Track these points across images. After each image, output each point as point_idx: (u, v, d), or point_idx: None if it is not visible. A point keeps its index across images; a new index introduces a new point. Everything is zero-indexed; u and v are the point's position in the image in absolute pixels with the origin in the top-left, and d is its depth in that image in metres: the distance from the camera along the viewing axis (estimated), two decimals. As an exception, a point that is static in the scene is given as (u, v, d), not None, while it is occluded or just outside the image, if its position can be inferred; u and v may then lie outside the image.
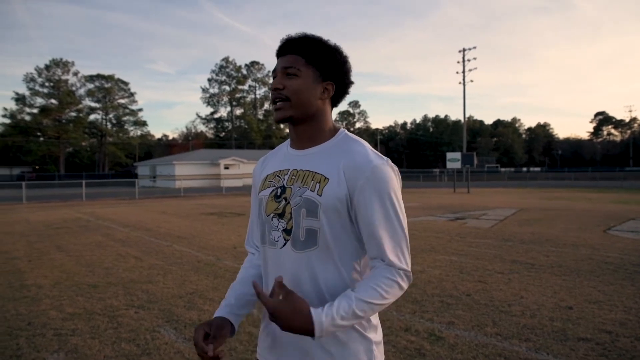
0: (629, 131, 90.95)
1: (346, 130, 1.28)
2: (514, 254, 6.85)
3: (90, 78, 67.87)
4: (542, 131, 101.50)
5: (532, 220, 11.32)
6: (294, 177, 1.22)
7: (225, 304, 1.28)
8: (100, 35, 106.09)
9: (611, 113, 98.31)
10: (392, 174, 1.17)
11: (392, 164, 1.19)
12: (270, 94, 1.24)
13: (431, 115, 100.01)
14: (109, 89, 68.81)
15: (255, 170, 1.41)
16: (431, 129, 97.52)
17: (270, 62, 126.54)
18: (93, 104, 69.14)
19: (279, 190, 1.23)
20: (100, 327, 3.84)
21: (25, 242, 8.51)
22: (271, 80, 1.26)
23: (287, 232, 1.19)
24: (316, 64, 1.21)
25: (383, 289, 1.10)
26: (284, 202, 1.20)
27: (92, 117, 69.49)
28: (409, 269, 1.15)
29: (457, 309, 4.25)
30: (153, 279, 5.52)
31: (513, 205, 16.32)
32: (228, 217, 13.26)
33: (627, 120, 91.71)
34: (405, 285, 1.14)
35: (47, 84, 62.52)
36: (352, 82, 1.29)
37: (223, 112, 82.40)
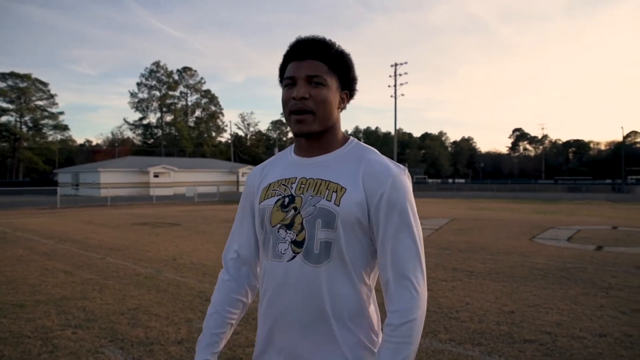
0: (541, 147, 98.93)
1: (356, 140, 1.24)
2: (453, 262, 7.14)
3: (3, 76, 62.37)
4: (466, 145, 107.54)
5: (465, 230, 11.90)
6: (303, 186, 1.14)
7: (206, 344, 1.20)
8: (14, 30, 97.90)
9: (526, 129, 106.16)
10: (409, 184, 1.14)
11: (408, 172, 1.16)
12: (288, 104, 1.13)
13: (362, 127, 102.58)
14: (24, 89, 63.52)
15: (251, 179, 1.31)
16: (362, 140, 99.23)
17: (202, 68, 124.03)
18: (5, 105, 63.49)
19: (287, 200, 1.14)
20: (32, 351, 3.47)
21: None
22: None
23: (296, 244, 1.11)
24: (337, 72, 1.15)
25: (407, 335, 1.03)
26: (292, 211, 1.12)
27: (4, 118, 63.67)
28: (425, 289, 1.10)
29: (409, 317, 4.32)
30: (88, 294, 5.11)
31: (445, 215, 17.09)
32: (162, 227, 12.67)
33: (540, 137, 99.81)
34: (424, 308, 1.08)
35: (-52, 80, 56.66)
36: (357, 90, 1.26)
37: (152, 118, 79.01)
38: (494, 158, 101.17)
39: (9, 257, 7.57)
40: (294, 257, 1.11)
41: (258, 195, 1.24)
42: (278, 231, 1.14)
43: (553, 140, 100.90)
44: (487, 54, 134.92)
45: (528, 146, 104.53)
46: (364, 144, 1.22)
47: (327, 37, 1.18)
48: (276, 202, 1.16)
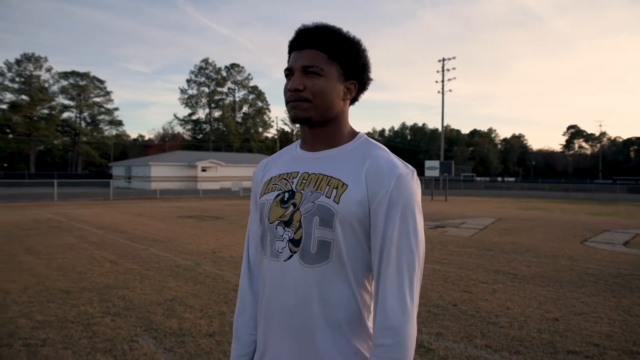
0: (598, 145, 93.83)
1: (366, 135, 1.16)
2: (496, 264, 6.87)
3: (64, 75, 66.11)
4: (516, 142, 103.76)
5: (511, 230, 11.44)
6: (304, 181, 1.08)
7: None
8: (75, 31, 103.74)
9: (582, 127, 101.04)
10: (417, 188, 1.05)
11: (417, 176, 1.07)
12: (285, 95, 1.09)
13: (409, 123, 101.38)
14: (83, 86, 67.12)
15: (255, 174, 1.26)
16: (409, 137, 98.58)
17: (249, 64, 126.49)
18: (67, 102, 67.37)
19: (287, 195, 1.08)
20: (73, 336, 3.62)
21: (-8, 243, 8.11)
22: (283, 79, 1.10)
23: (294, 242, 1.04)
24: (340, 60, 1.08)
25: (401, 356, 0.95)
26: (292, 208, 1.06)
27: (65, 115, 67.65)
28: (417, 303, 1.01)
29: (444, 319, 4.18)
30: (129, 284, 5.30)
31: (491, 214, 16.51)
32: (206, 220, 12.99)
33: (597, 134, 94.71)
34: (415, 324, 1.00)
35: (17, 79, 60.59)
36: (371, 80, 1.17)
37: (201, 113, 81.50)
38: (546, 156, 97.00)
39: (62, 245, 7.98)
40: (290, 256, 1.05)
41: (259, 189, 1.19)
42: (276, 228, 1.08)
43: (612, 138, 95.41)
44: (540, 48, 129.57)
45: (584, 144, 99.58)
46: (374, 140, 1.14)
47: (332, 23, 1.11)
48: (276, 197, 1.11)
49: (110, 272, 5.90)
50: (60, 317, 4.06)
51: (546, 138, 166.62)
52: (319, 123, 1.10)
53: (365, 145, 1.11)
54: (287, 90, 1.08)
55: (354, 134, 1.15)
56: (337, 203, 1.01)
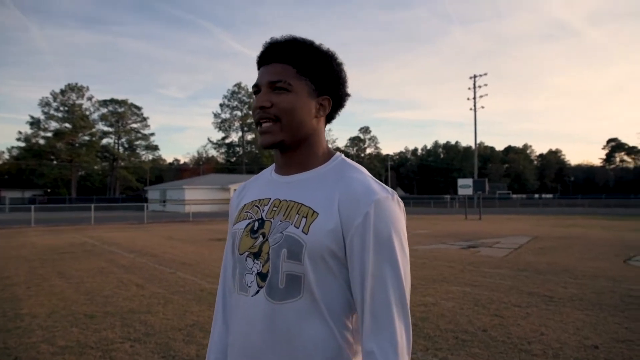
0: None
1: (343, 155, 1.07)
2: (530, 285, 6.53)
3: (104, 102, 69.08)
4: (553, 157, 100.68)
5: (547, 249, 10.94)
6: (275, 209, 0.99)
7: None
8: (115, 61, 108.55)
9: (623, 140, 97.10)
10: (399, 213, 0.94)
11: (399, 198, 0.95)
12: (254, 115, 1.01)
13: (442, 141, 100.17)
14: (122, 113, 69.88)
15: (232, 200, 1.18)
16: (442, 155, 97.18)
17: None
18: (106, 128, 70.18)
19: (256, 224, 1.00)
20: (92, 362, 3.61)
21: (27, 268, 8.35)
22: (252, 98, 1.04)
23: (261, 276, 0.95)
24: (310, 75, 1.00)
25: None
26: (261, 238, 0.97)
27: (104, 141, 70.42)
28: (407, 343, 0.89)
29: (472, 346, 3.96)
30: (153, 308, 5.30)
31: (526, 233, 15.90)
32: (235, 242, 13.03)
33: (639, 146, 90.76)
34: None
35: (61, 108, 63.63)
36: (349, 95, 1.08)
37: (234, 137, 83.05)
38: (585, 171, 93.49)
39: (92, 269, 8.14)
40: (257, 291, 0.95)
41: (234, 217, 1.11)
42: (246, 260, 0.99)
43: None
44: (575, 60, 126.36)
45: (626, 157, 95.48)
46: (351, 161, 1.04)
47: (301, 36, 1.04)
48: (246, 226, 1.02)
49: (136, 296, 5.94)
50: (81, 343, 4.07)
51: (585, 152, 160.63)
52: (291, 146, 1.02)
53: (341, 167, 1.01)
54: (255, 109, 1.01)
55: (329, 155, 1.06)
56: (306, 234, 0.92)
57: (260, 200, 1.05)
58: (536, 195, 71.90)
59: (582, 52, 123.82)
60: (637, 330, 4.40)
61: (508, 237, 14.00)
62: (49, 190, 62.41)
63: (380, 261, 0.89)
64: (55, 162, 62.99)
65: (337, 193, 0.94)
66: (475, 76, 48.21)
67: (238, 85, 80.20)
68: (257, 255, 0.97)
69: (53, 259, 9.47)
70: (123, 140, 72.43)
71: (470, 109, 48.51)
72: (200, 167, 77.00)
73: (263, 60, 1.03)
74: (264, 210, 1.01)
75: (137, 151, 74.22)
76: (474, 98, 48.07)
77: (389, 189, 0.96)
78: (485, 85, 48.74)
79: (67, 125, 63.34)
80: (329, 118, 1.08)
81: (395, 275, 0.90)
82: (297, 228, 0.93)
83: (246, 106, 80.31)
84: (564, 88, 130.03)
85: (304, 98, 0.99)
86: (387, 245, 0.90)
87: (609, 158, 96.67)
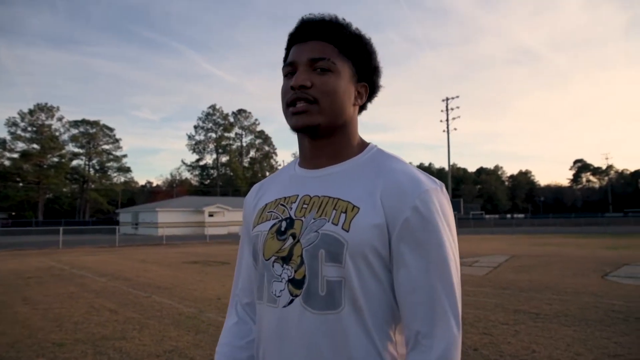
0: (606, 178, 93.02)
1: (377, 146, 0.96)
2: (515, 303, 6.49)
3: (75, 123, 67.49)
4: (524, 178, 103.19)
5: (527, 267, 11.01)
6: (305, 206, 0.86)
7: None
8: (87, 82, 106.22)
9: (589, 160, 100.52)
10: (448, 205, 0.84)
11: (446, 191, 0.86)
12: (286, 96, 0.88)
13: (416, 162, 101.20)
14: (93, 134, 68.37)
15: (247, 201, 1.04)
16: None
17: (256, 109, 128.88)
18: (76, 150, 68.41)
19: (284, 224, 0.87)
20: (61, 394, 3.32)
21: (-10, 294, 7.85)
22: (285, 87, 0.90)
23: (294, 283, 0.82)
24: (353, 57, 0.89)
25: None
26: (291, 240, 0.84)
27: (74, 162, 68.54)
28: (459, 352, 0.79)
29: (465, 366, 3.84)
30: (127, 334, 4.99)
31: (504, 252, 16.05)
32: (212, 266, 12.67)
33: (604, 167, 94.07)
34: None
35: (29, 128, 61.83)
36: (381, 86, 0.98)
37: (209, 159, 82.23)
38: (554, 191, 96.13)
39: (61, 294, 7.70)
40: (291, 301, 0.82)
41: (253, 219, 0.97)
42: (273, 265, 0.86)
43: (619, 171, 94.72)
44: (541, 83, 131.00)
45: (592, 177, 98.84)
46: (388, 151, 0.93)
47: (342, 17, 0.93)
48: (271, 228, 0.89)
49: (109, 322, 5.60)
50: (49, 373, 3.76)
51: (553, 173, 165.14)
52: (326, 133, 0.89)
53: (379, 158, 0.90)
54: (289, 89, 0.87)
55: (363, 145, 0.95)
56: (347, 231, 0.80)
57: (286, 198, 0.92)
58: (508, 215, 73.28)
59: (545, 75, 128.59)
60: (626, 344, 4.37)
61: (486, 256, 14.07)
62: (13, 214, 60.06)
63: (431, 262, 0.78)
64: (21, 184, 60.80)
65: (378, 185, 0.83)
66: (447, 99, 49.39)
67: (212, 107, 79.91)
68: (287, 260, 0.84)
69: (17, 285, 8.94)
70: (94, 161, 70.69)
71: (444, 131, 49.53)
72: (173, 190, 75.62)
73: (299, 36, 0.90)
74: (291, 209, 0.88)
75: (109, 173, 72.46)
76: (447, 120, 49.12)
77: (437, 180, 0.85)
78: (458, 107, 49.92)
79: (35, 146, 61.49)
80: (361, 109, 0.97)
81: (448, 278, 0.79)
82: (336, 225, 0.81)
83: (221, 128, 79.93)
84: (531, 110, 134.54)
85: (346, 81, 0.89)
86: (438, 243, 0.79)
87: (576, 178, 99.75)
